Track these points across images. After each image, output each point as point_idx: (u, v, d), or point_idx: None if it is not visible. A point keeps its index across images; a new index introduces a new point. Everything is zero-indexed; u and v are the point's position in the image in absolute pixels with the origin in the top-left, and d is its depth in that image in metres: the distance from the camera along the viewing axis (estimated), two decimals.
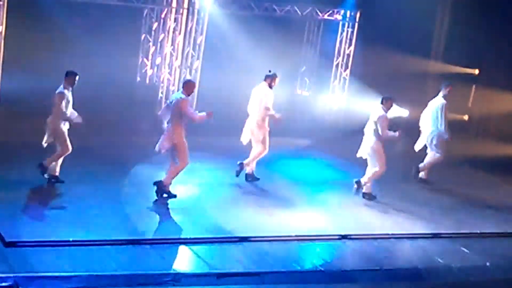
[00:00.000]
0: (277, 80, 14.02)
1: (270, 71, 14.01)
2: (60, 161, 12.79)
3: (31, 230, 10.68)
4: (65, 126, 12.63)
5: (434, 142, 15.27)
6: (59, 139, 12.64)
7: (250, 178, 14.32)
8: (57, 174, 12.79)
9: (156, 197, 12.67)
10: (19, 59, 16.69)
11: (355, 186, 14.25)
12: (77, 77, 12.60)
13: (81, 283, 9.22)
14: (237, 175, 14.22)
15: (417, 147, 15.55)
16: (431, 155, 15.40)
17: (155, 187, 12.69)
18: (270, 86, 13.94)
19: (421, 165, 15.48)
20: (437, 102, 15.25)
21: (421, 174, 15.51)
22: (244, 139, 14.24)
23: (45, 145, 12.64)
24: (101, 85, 17.61)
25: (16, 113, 15.64)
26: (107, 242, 10.59)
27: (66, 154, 12.74)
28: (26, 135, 14.39)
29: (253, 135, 14.14)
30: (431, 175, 15.64)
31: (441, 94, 15.28)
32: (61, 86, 12.51)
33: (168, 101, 13.10)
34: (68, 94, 12.53)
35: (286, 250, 11.37)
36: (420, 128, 15.55)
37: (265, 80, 13.99)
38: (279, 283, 10.20)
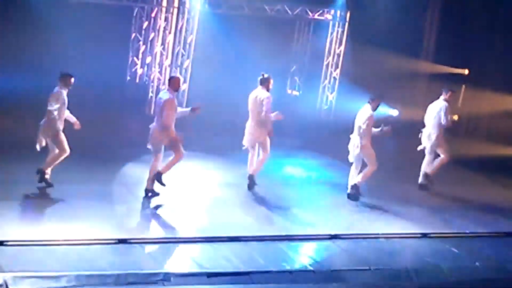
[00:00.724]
0: (272, 81, 13.85)
1: (263, 75, 13.78)
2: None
3: (20, 229, 10.65)
4: (60, 126, 12.37)
5: (436, 142, 15.14)
6: (56, 141, 12.36)
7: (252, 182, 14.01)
8: (47, 176, 12.52)
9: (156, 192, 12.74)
10: (8, 58, 16.62)
11: (353, 191, 14.12)
12: (72, 79, 12.35)
13: (70, 282, 9.19)
14: (250, 189, 13.91)
15: (420, 147, 15.33)
16: (430, 160, 15.28)
17: (156, 181, 12.66)
18: (268, 89, 13.71)
19: (429, 171, 15.24)
20: (439, 104, 15.14)
21: (420, 180, 15.40)
22: (245, 143, 14.01)
23: (39, 149, 12.38)
24: (91, 84, 17.52)
25: (7, 111, 15.57)
26: (97, 241, 10.57)
27: (65, 156, 12.46)
28: (17, 134, 14.36)
29: (257, 141, 13.87)
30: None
31: (441, 98, 15.17)
32: (57, 87, 12.31)
33: (157, 99, 13.07)
34: (64, 95, 12.31)
35: (276, 249, 11.36)
36: (422, 130, 15.36)
37: (261, 84, 13.70)
38: (269, 283, 10.19)
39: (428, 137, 15.26)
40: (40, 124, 12.39)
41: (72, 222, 11.20)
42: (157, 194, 12.79)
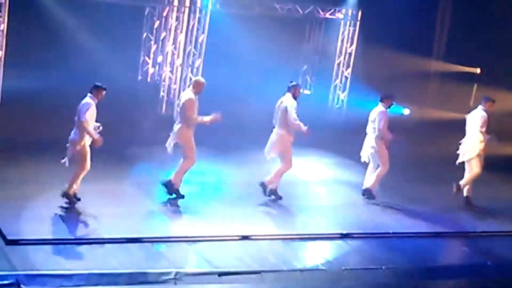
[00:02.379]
0: (300, 90, 13.62)
1: (291, 82, 13.54)
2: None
3: (32, 228, 10.67)
4: (88, 141, 11.83)
5: (470, 155, 14.62)
6: (79, 156, 11.81)
7: (274, 196, 13.47)
8: (76, 191, 11.94)
9: (169, 196, 12.67)
10: (20, 57, 16.67)
11: (367, 193, 14.02)
12: (104, 92, 11.90)
13: (82, 281, 9.22)
14: (266, 194, 13.44)
15: (459, 159, 14.76)
16: (468, 170, 14.73)
17: (164, 187, 12.69)
18: (295, 97, 13.37)
19: (461, 182, 14.67)
20: (477, 114, 14.56)
21: (465, 192, 14.78)
22: (267, 153, 13.59)
23: (67, 164, 11.85)
24: (102, 83, 17.56)
25: (18, 111, 15.61)
26: (108, 240, 10.61)
27: (84, 173, 11.92)
28: (29, 134, 14.40)
29: (278, 150, 13.49)
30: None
31: (480, 107, 14.62)
32: (88, 97, 11.79)
33: (177, 101, 13.08)
34: (94, 107, 11.78)
35: (287, 248, 11.37)
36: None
37: (288, 91, 13.39)
38: (280, 282, 10.21)
39: (467, 147, 14.73)
40: (70, 138, 11.84)
41: (84, 221, 11.25)
42: (182, 197, 12.75)
